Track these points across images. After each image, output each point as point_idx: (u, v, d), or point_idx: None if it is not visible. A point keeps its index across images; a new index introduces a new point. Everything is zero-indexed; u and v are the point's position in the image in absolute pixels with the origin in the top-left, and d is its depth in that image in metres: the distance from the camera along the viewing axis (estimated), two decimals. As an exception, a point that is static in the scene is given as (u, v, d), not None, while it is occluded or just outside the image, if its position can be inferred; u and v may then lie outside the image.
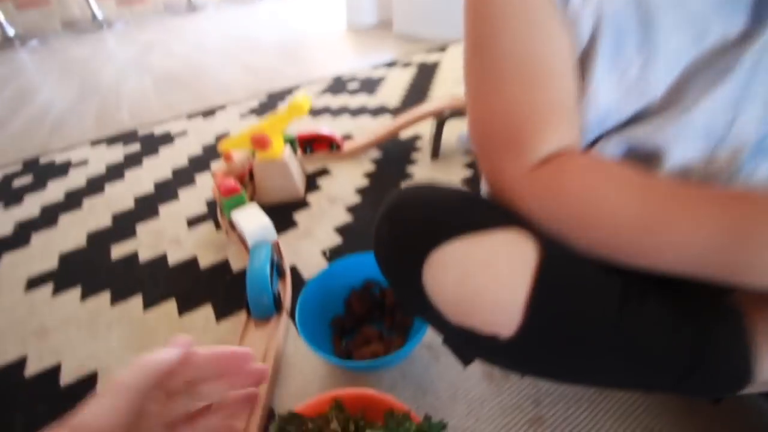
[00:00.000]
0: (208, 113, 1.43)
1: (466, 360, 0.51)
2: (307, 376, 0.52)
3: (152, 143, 1.26)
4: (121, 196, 0.99)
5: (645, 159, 0.35)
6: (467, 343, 0.36)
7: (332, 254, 0.71)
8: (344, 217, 0.80)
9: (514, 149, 0.34)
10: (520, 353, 0.33)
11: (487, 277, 0.31)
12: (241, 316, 0.61)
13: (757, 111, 0.32)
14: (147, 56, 2.36)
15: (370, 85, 1.49)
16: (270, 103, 1.45)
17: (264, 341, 0.54)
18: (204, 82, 1.81)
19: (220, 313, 0.62)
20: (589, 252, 0.32)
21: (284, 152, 0.82)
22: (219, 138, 1.22)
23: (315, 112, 1.32)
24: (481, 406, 0.46)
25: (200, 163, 1.10)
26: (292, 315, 0.58)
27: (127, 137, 1.33)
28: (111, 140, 1.32)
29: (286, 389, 0.51)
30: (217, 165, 1.05)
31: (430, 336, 0.54)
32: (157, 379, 0.29)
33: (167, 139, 1.27)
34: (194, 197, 0.94)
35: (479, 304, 0.31)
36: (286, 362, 0.54)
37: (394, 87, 1.44)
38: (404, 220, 0.34)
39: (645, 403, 0.44)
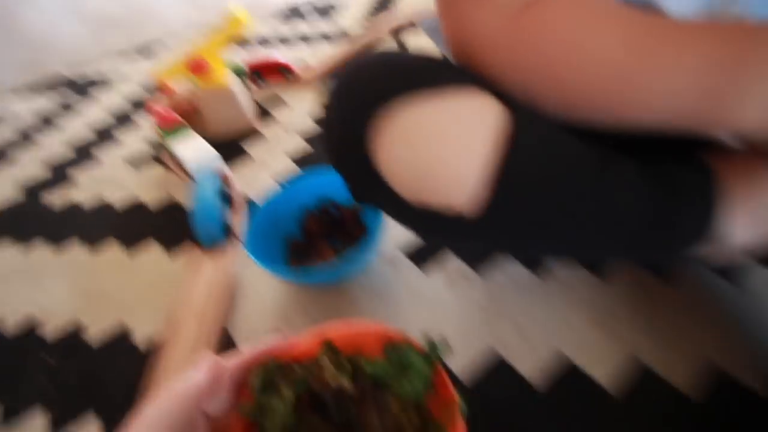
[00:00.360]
0: (149, 53, 1.31)
1: (426, 264, 0.50)
2: (264, 296, 0.50)
3: (88, 88, 1.14)
4: (57, 143, 0.91)
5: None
6: (424, 224, 0.32)
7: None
8: (301, 147, 0.75)
9: None
10: (487, 227, 0.29)
11: (447, 144, 0.27)
12: (195, 251, 0.57)
13: None
14: (77, -2, 2.11)
15: (327, 11, 1.37)
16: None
17: (218, 270, 0.52)
18: (147, 23, 1.63)
19: (172, 251, 0.59)
20: (563, 112, 0.28)
21: (228, 78, 0.75)
22: (162, 77, 1.11)
23: (266, 42, 1.22)
24: (441, 309, 0.45)
25: (141, 104, 1.01)
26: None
27: (59, 83, 1.20)
28: (42, 88, 1.20)
29: (244, 315, 0.49)
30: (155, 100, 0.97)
31: (389, 247, 0.52)
32: (187, 410, 0.23)
33: (105, 83, 1.16)
34: (136, 139, 0.87)
35: (439, 177, 0.27)
36: (245, 290, 0.51)
37: (356, 11, 1.33)
38: (351, 82, 0.30)
39: (598, 289, 0.44)
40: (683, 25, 0.26)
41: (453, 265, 0.49)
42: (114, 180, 0.76)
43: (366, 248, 0.44)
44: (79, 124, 0.97)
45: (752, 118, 0.24)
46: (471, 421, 0.26)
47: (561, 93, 0.28)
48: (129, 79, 1.15)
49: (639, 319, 0.41)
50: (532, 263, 0.47)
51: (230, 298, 0.49)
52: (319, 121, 0.81)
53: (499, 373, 0.40)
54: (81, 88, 1.15)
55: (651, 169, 0.29)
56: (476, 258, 0.49)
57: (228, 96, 0.76)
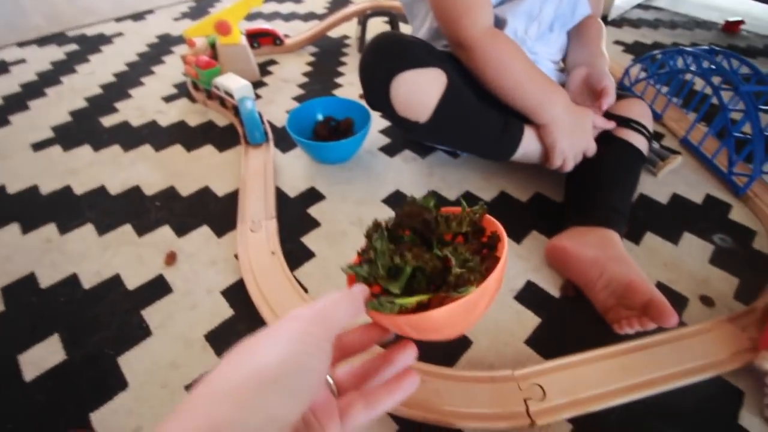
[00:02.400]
0: (138, 17, 1.49)
1: (392, 153, 0.84)
2: (295, 173, 0.81)
3: (90, 43, 1.32)
4: (82, 85, 1.11)
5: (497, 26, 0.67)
6: (404, 127, 0.65)
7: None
8: (298, 91, 1.05)
9: (471, 17, 0.61)
10: (428, 131, 0.65)
11: (421, 92, 0.61)
12: (238, 149, 0.86)
13: (554, 3, 0.66)
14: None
15: (294, -6, 1.64)
16: (200, 8, 1.54)
17: (262, 157, 0.81)
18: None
19: (221, 148, 0.87)
20: (491, 88, 0.64)
21: (242, 38, 1.02)
22: (160, 37, 1.33)
23: (249, 16, 1.47)
24: (402, 174, 0.80)
25: (152, 57, 1.22)
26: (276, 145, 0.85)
27: (56, 39, 1.35)
28: (40, 41, 1.34)
29: (283, 182, 0.79)
30: (182, 51, 1.19)
31: (367, 144, 0.85)
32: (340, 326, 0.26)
33: (104, 39, 1.34)
34: (160, 82, 1.10)
35: (413, 105, 0.61)
36: (278, 168, 0.82)
37: (318, -4, 1.62)
38: (383, 54, 0.61)
39: (488, 168, 0.82)
40: (539, 72, 0.64)
41: (406, 152, 0.84)
42: (155, 108, 1.00)
43: (358, 138, 0.77)
44: (100, 70, 1.16)
45: (547, 117, 0.63)
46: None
47: (493, 80, 0.64)
48: (128, 38, 1.34)
49: (504, 173, 0.79)
50: (450, 152, 0.84)
51: (273, 170, 0.79)
52: (308, 77, 1.11)
53: (438, 198, 0.75)
54: (85, 42, 1.32)
55: (504, 117, 0.67)
56: (421, 149, 0.85)
57: (243, 52, 1.03)
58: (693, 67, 0.87)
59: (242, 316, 0.58)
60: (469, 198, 0.75)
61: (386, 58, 0.61)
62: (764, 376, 0.49)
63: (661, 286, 0.61)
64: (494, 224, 0.41)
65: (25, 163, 0.86)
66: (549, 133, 0.65)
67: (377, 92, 0.62)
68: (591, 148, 0.67)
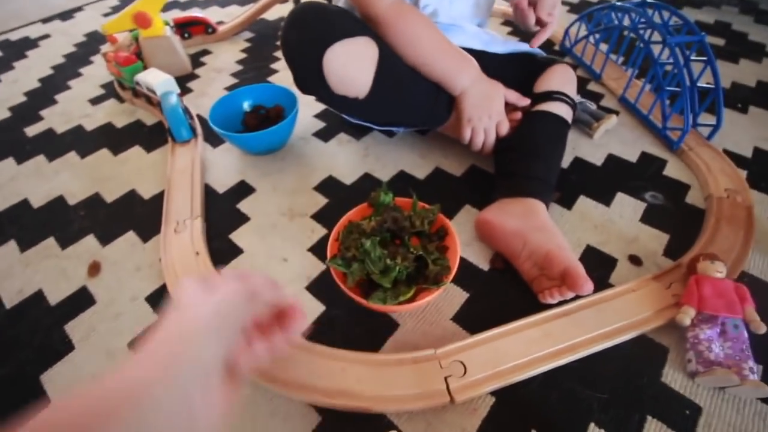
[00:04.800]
0: (66, 16, 1.41)
1: (326, 138, 0.82)
2: (226, 167, 0.78)
3: (15, 48, 1.24)
4: (5, 95, 1.05)
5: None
6: (341, 105, 0.63)
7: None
8: (231, 81, 1.01)
9: None
10: (368, 107, 0.62)
11: (355, 66, 0.58)
12: (166, 148, 0.82)
13: None
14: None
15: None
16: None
17: (189, 154, 0.78)
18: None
19: (149, 149, 0.83)
20: (408, 60, 0.62)
21: (166, 29, 0.97)
22: (88, 35, 1.26)
23: (183, 5, 1.40)
24: (336, 159, 0.78)
25: (79, 58, 1.16)
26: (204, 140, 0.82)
27: (-20, 45, 1.28)
28: (-38, 49, 1.26)
29: (213, 178, 0.76)
30: (104, 49, 1.13)
31: (300, 130, 0.83)
32: (257, 289, 0.32)
33: (29, 44, 1.27)
34: (87, 84, 1.05)
35: (351, 81, 0.58)
36: (208, 164, 0.79)
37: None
38: (307, 28, 0.55)
39: (420, 139, 0.80)
40: (448, 44, 0.61)
41: (341, 136, 0.82)
42: (81, 113, 0.95)
43: (286, 125, 0.74)
44: (25, 77, 1.10)
45: (458, 89, 0.61)
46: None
47: (404, 54, 0.61)
48: (55, 40, 1.27)
49: (440, 148, 0.77)
50: (386, 132, 0.81)
51: (202, 167, 0.77)
52: (243, 64, 1.07)
53: (370, 180, 0.73)
54: (9, 48, 1.25)
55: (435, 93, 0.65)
56: (356, 130, 0.82)
57: (166, 43, 0.98)
58: (626, 22, 0.85)
59: (167, 322, 0.57)
60: (405, 177, 0.73)
61: (312, 32, 0.55)
62: (686, 331, 0.50)
63: (590, 249, 0.61)
64: (442, 219, 0.57)
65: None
66: (459, 103, 0.64)
67: (308, 72, 0.57)
68: (503, 123, 0.65)
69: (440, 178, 0.73)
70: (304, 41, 0.56)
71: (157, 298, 0.59)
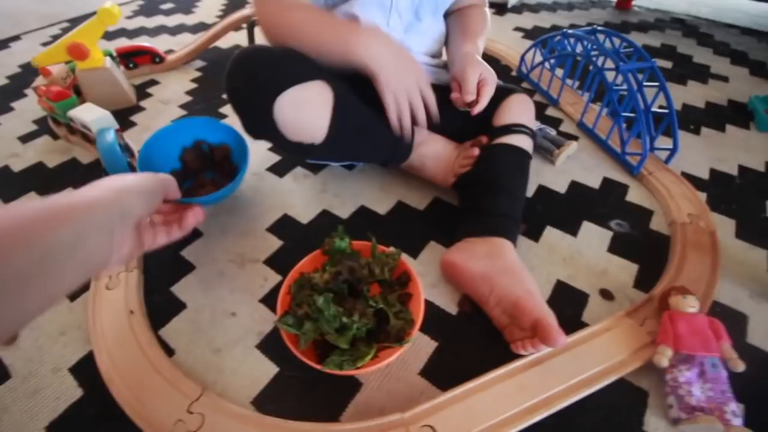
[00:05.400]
0: (2, 45, 1.31)
1: (281, 173, 0.77)
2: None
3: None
4: None
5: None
6: (296, 150, 0.57)
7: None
8: (179, 112, 0.95)
9: None
10: (327, 149, 0.58)
11: (309, 112, 0.53)
12: (103, 189, 0.75)
13: None
14: None
15: (185, 4, 1.52)
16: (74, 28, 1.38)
17: (128, 196, 0.71)
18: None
19: (83, 192, 0.75)
20: (292, 47, 0.55)
21: (106, 60, 0.91)
22: (23, 66, 1.17)
23: (131, 34, 1.33)
24: (291, 196, 0.73)
25: (12, 92, 1.07)
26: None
27: None
28: None
29: (155, 221, 0.69)
30: (36, 82, 1.05)
31: (254, 165, 0.77)
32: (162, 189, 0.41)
33: (-44, 75, 1.16)
34: (18, 120, 0.96)
35: (305, 128, 0.54)
36: (151, 207, 0.72)
37: (212, 3, 1.50)
38: (254, 74, 0.50)
39: (382, 173, 0.76)
40: (329, 17, 0.57)
41: (297, 170, 0.77)
42: (9, 152, 0.86)
43: (236, 182, 0.63)
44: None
45: (362, 61, 0.54)
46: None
47: (284, 41, 0.56)
48: (-15, 70, 1.17)
49: (401, 182, 0.74)
50: (346, 165, 0.77)
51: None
52: (193, 95, 1.01)
53: (328, 217, 0.69)
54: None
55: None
56: (313, 165, 0.78)
57: (106, 75, 0.91)
58: (578, 49, 0.86)
59: (93, 396, 0.49)
60: (365, 213, 0.69)
61: (259, 78, 0.51)
62: (664, 373, 0.47)
63: (561, 284, 0.58)
64: (404, 264, 0.53)
65: None
66: (372, 75, 0.55)
67: (257, 119, 0.53)
68: (423, 81, 0.59)
69: (402, 213, 0.69)
70: (251, 88, 0.51)
71: (84, 368, 0.51)
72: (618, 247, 0.63)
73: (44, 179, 0.79)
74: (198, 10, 1.48)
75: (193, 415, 0.44)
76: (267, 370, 0.50)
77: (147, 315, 0.55)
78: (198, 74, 1.09)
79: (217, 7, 1.48)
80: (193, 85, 1.05)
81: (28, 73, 1.15)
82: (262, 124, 0.53)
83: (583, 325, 0.53)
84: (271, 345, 0.52)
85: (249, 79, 0.51)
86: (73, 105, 0.81)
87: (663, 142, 0.78)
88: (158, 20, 1.41)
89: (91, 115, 0.75)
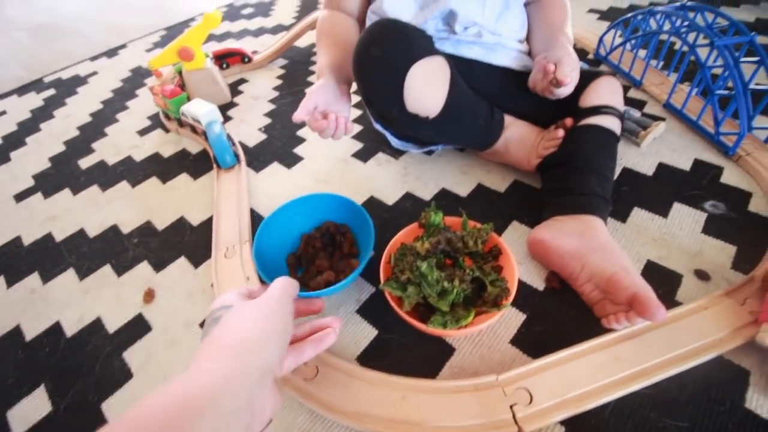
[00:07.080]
0: (111, 53, 1.49)
1: (365, 159, 0.82)
2: (271, 191, 0.79)
3: (66, 86, 1.33)
4: (60, 129, 1.11)
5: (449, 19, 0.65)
6: (408, 124, 0.60)
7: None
8: (269, 107, 1.04)
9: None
10: (436, 126, 0.62)
11: (433, 84, 0.58)
12: (211, 174, 0.85)
13: None
14: (3, 11, 2.17)
15: (263, 8, 1.63)
16: (171, 35, 1.54)
17: (234, 181, 0.80)
18: (86, 28, 1.78)
19: (195, 176, 0.86)
20: None
21: (207, 61, 1.01)
22: (133, 70, 1.33)
23: (219, 38, 1.46)
24: (376, 177, 0.78)
25: (125, 92, 1.23)
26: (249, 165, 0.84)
27: (35, 86, 1.37)
28: (20, 90, 1.35)
29: (258, 203, 0.78)
30: (150, 82, 1.20)
31: (340, 152, 0.83)
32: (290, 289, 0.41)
33: (79, 80, 1.35)
34: (134, 117, 1.10)
35: (427, 99, 0.58)
36: (252, 189, 0.80)
37: (287, 6, 1.61)
38: (390, 45, 0.55)
39: (461, 156, 0.79)
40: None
41: (379, 155, 0.82)
42: (130, 144, 0.99)
43: (358, 272, 0.54)
44: (76, 112, 1.17)
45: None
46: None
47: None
48: (103, 76, 1.34)
49: (481, 165, 0.76)
50: (426, 151, 0.81)
51: (247, 192, 0.78)
52: (279, 90, 1.10)
53: (412, 200, 0.73)
54: (60, 86, 1.33)
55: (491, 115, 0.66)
56: (393, 151, 0.82)
57: (209, 75, 1.02)
58: (666, 27, 0.83)
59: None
60: (447, 195, 0.72)
61: (396, 49, 0.54)
62: (768, 351, 0.46)
63: (651, 264, 0.58)
64: (495, 237, 0.56)
65: (7, 215, 0.87)
66: None
67: (386, 88, 0.56)
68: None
69: (484, 195, 0.72)
70: (388, 57, 0.55)
71: (211, 325, 0.60)
72: (713, 228, 0.61)
73: (162, 166, 0.91)
74: (275, 13, 1.58)
75: (309, 366, 0.51)
76: (368, 332, 0.55)
77: (260, 282, 0.63)
78: (282, 71, 1.18)
79: (292, 9, 1.57)
80: (279, 82, 1.14)
81: (137, 76, 1.31)
82: (389, 94, 0.56)
83: (676, 305, 0.52)
84: (368, 310, 0.58)
85: (384, 49, 0.55)
86: (184, 101, 0.92)
87: (760, 121, 0.73)
88: (241, 24, 1.54)
89: (201, 109, 0.85)
